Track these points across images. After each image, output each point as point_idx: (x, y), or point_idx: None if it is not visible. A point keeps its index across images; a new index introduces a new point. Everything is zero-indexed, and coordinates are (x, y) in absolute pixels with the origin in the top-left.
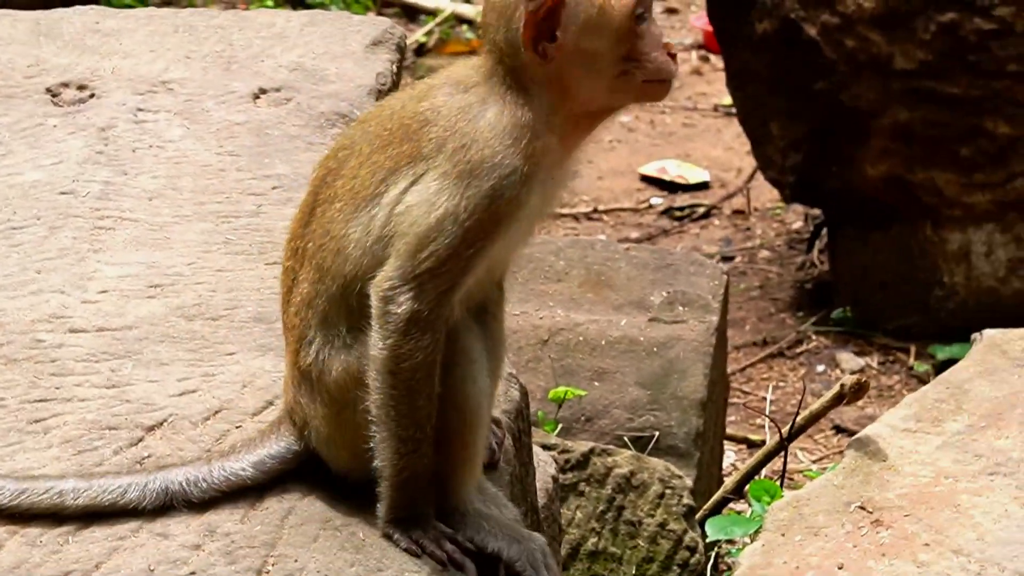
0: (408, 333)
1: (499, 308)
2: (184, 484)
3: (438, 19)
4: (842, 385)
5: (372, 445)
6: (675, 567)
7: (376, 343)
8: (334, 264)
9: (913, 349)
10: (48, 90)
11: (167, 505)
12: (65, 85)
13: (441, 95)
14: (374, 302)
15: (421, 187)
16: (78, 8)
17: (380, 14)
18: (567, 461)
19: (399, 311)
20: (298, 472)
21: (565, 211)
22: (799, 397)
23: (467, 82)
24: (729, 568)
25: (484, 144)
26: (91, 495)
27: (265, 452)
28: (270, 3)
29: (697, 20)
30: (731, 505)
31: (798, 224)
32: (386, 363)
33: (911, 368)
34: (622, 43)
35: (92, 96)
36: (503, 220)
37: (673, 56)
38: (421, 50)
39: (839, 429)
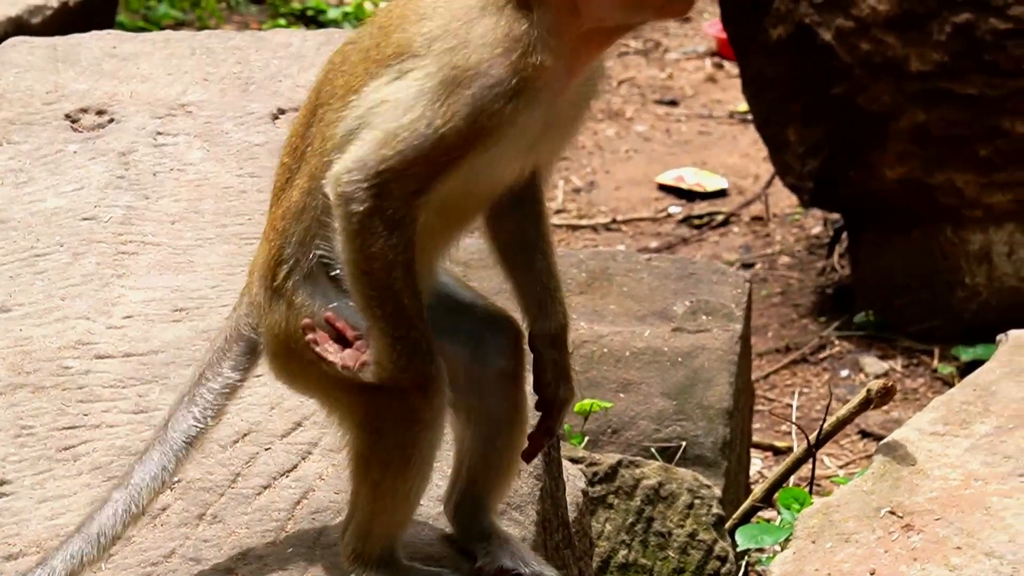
0: (374, 232)
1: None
2: (197, 422)
3: None
4: (868, 390)
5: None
6: None
7: (344, 246)
8: (321, 173)
9: (937, 351)
10: (67, 116)
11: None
12: (84, 110)
13: None
14: (332, 199)
15: (403, 83)
16: (95, 33)
17: None
18: (595, 474)
19: (360, 209)
20: (326, 489)
21: (584, 222)
22: (824, 402)
23: None
24: None
25: (473, 51)
26: (141, 499)
27: (238, 351)
28: (283, 22)
29: (711, 27)
30: (760, 513)
31: (817, 229)
32: (359, 265)
33: (935, 370)
34: None
35: (111, 121)
36: (483, 134)
37: None
38: None
39: (865, 434)
